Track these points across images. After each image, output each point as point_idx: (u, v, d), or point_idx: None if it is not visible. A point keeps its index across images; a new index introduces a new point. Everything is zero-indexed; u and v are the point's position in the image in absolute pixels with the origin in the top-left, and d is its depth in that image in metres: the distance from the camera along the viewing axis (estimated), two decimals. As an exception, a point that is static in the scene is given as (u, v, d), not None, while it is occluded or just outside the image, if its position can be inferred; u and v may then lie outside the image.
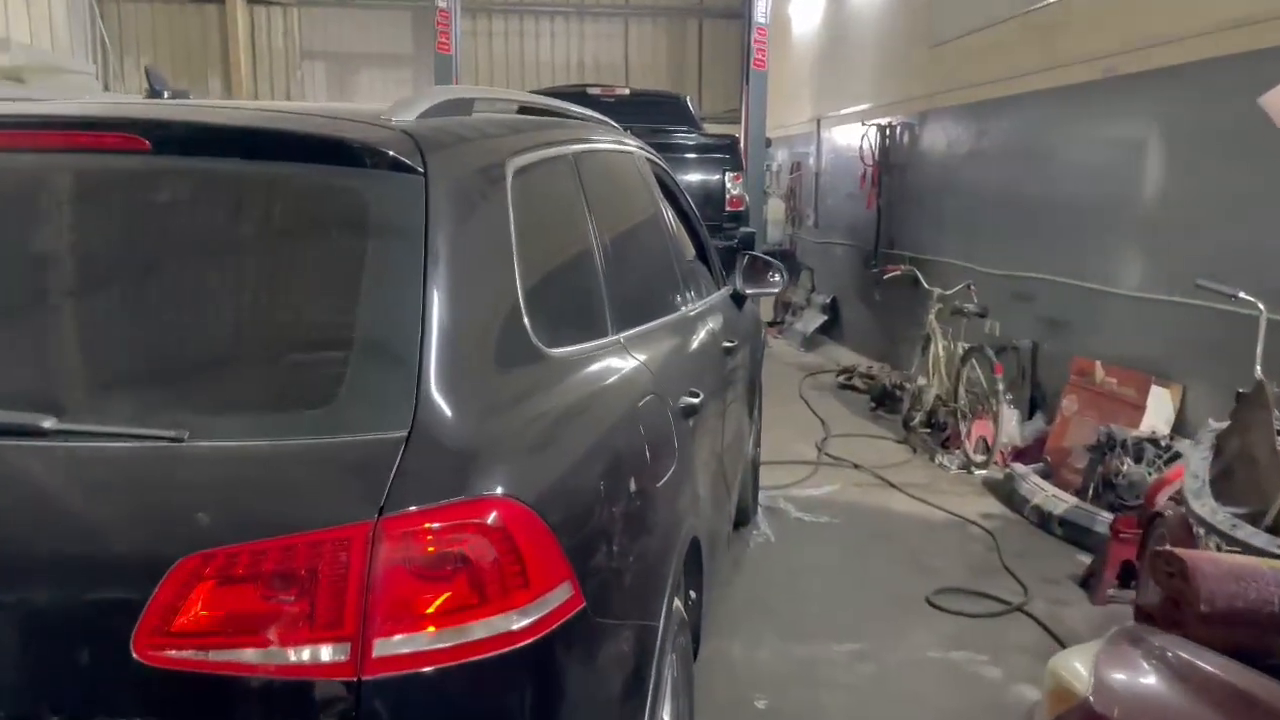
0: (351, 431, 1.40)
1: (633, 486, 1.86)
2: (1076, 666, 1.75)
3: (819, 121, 10.90)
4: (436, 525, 1.34)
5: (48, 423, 1.35)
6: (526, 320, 1.74)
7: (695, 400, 2.35)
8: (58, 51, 12.07)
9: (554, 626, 1.43)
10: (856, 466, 5.94)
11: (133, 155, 1.58)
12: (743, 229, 7.81)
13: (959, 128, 7.53)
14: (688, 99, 9.55)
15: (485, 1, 14.92)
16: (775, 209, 11.53)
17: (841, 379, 8.37)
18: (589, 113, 2.92)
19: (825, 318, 10.28)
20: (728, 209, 7.79)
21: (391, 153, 1.61)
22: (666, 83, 14.72)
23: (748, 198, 8.21)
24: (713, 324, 3.20)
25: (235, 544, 1.28)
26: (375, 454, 1.37)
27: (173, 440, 1.35)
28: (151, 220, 1.60)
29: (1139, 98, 5.31)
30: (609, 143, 2.76)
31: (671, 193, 3.41)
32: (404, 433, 1.40)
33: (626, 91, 9.21)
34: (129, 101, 2.01)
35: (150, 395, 1.45)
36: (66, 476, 1.37)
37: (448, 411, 1.46)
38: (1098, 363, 5.47)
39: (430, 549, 1.34)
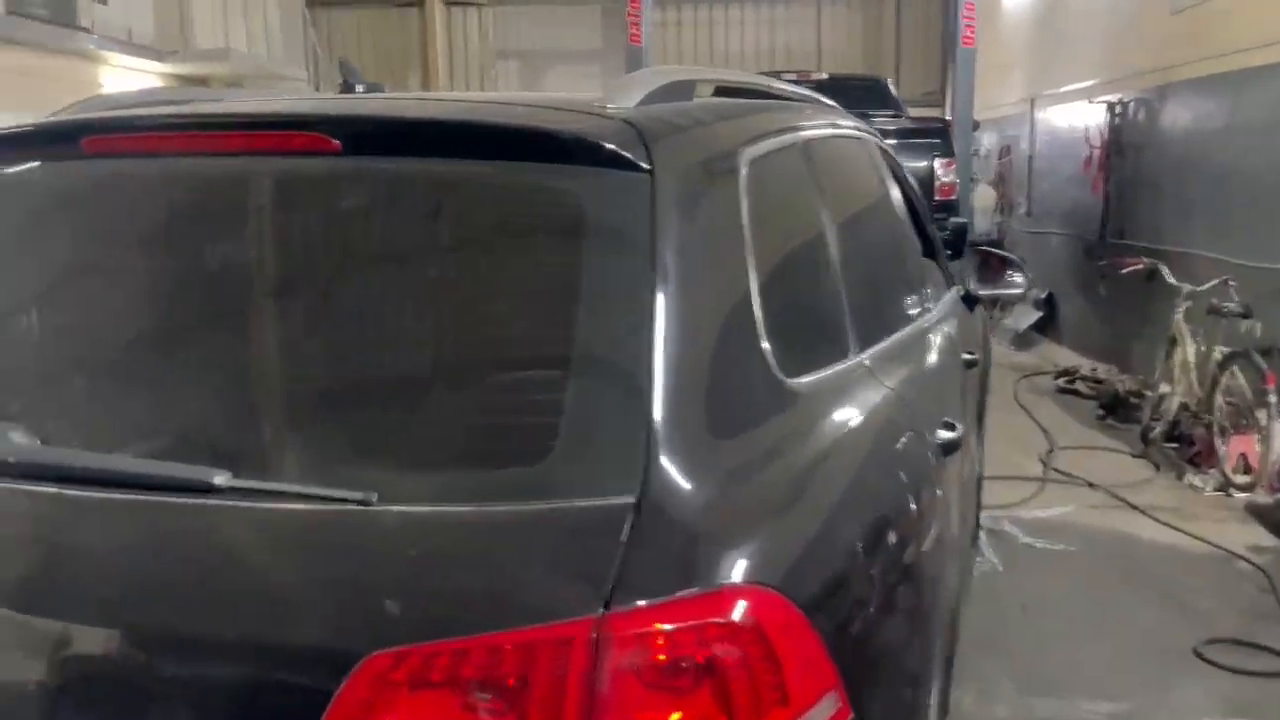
0: (568, 495, 1.12)
1: (901, 555, 1.51)
2: None
3: (1032, 101, 10.04)
4: (674, 626, 1.05)
5: (219, 478, 1.14)
6: (766, 345, 1.42)
7: (954, 434, 1.97)
8: (273, 59, 12.72)
9: None
10: (1090, 485, 5.31)
11: (321, 157, 1.36)
12: (954, 219, 7.22)
13: (1210, 101, 6.66)
14: (888, 81, 8.99)
15: (675, -9, 14.70)
16: (983, 196, 10.73)
17: (1061, 382, 7.62)
18: (810, 94, 2.57)
19: (1039, 314, 9.46)
20: (938, 198, 7.23)
21: (611, 146, 1.33)
22: (861, 66, 14.06)
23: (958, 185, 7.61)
24: (953, 334, 2.79)
25: (432, 641, 1.03)
26: (598, 528, 1.09)
27: (359, 503, 1.12)
28: (338, 234, 1.37)
29: None
30: (838, 127, 2.40)
31: (900, 181, 3.02)
32: (632, 498, 1.12)
33: (824, 76, 8.75)
34: (317, 97, 1.82)
35: (333, 445, 1.22)
36: (239, 543, 1.16)
37: (684, 470, 1.17)
38: (1398, 373, 4.64)
39: (667, 654, 1.04)
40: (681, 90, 1.68)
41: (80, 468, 1.18)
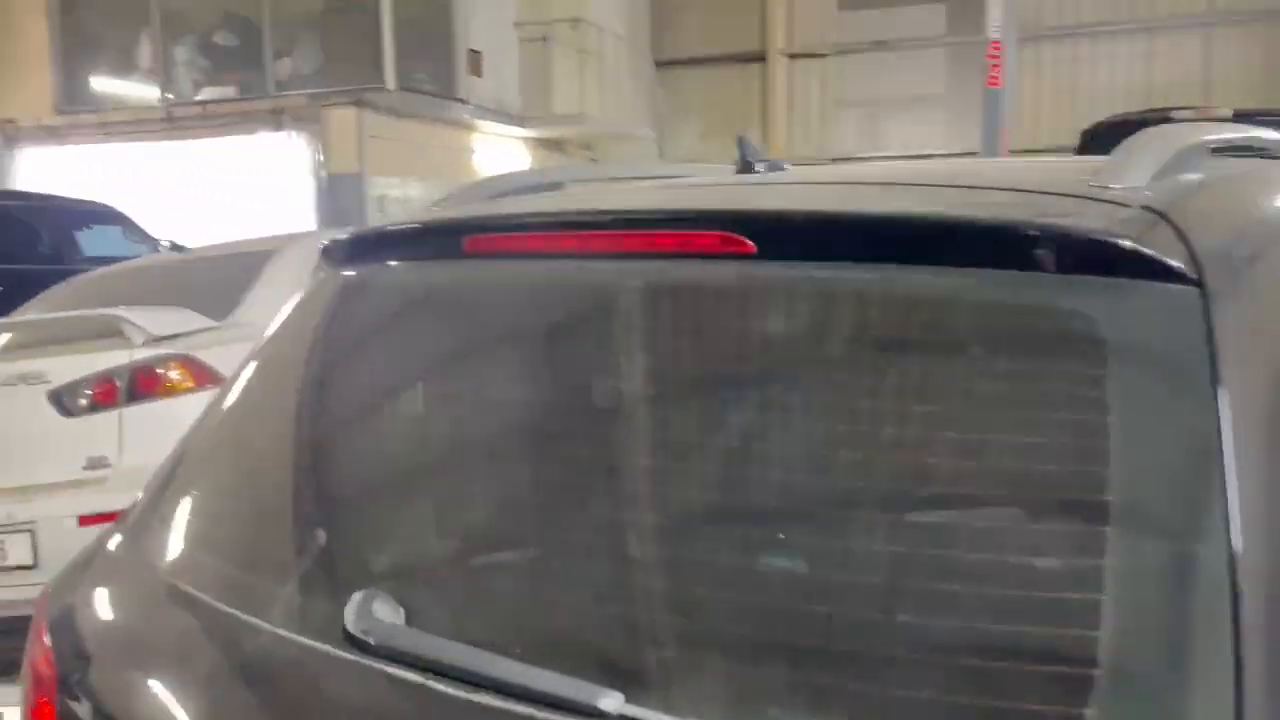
0: None
1: None
2: None
3: None
4: None
5: (608, 702, 0.86)
6: None
7: None
8: (623, 120, 13.33)
9: None
10: None
11: (728, 262, 1.07)
12: None
13: None
14: (1317, 114, 7.61)
15: (1035, 29, 13.67)
16: None
17: None
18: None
19: None
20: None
21: (1138, 247, 0.93)
22: (1261, 99, 12.25)
23: None
24: None
25: None
26: None
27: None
28: (747, 370, 1.06)
29: None
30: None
31: None
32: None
33: (1228, 112, 7.54)
34: (718, 182, 1.54)
35: (759, 672, 0.90)
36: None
37: None
38: None
39: None
40: (1193, 157, 1.24)
41: (439, 660, 0.96)
